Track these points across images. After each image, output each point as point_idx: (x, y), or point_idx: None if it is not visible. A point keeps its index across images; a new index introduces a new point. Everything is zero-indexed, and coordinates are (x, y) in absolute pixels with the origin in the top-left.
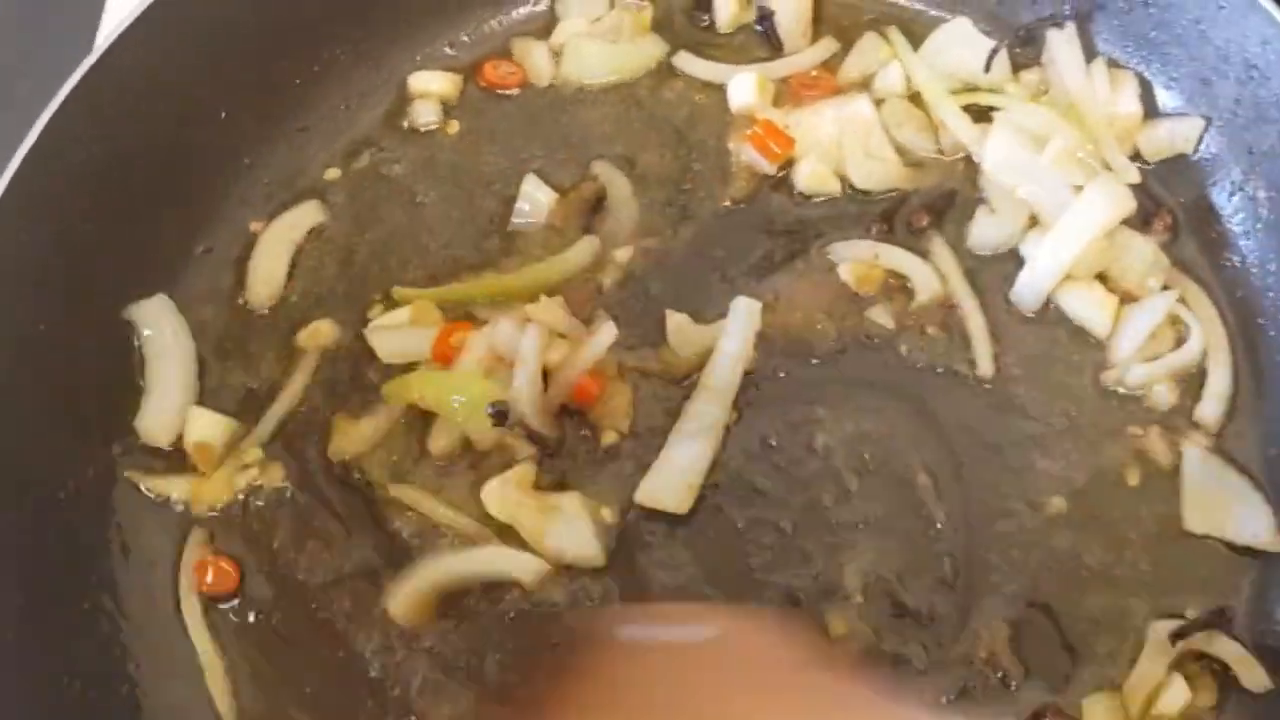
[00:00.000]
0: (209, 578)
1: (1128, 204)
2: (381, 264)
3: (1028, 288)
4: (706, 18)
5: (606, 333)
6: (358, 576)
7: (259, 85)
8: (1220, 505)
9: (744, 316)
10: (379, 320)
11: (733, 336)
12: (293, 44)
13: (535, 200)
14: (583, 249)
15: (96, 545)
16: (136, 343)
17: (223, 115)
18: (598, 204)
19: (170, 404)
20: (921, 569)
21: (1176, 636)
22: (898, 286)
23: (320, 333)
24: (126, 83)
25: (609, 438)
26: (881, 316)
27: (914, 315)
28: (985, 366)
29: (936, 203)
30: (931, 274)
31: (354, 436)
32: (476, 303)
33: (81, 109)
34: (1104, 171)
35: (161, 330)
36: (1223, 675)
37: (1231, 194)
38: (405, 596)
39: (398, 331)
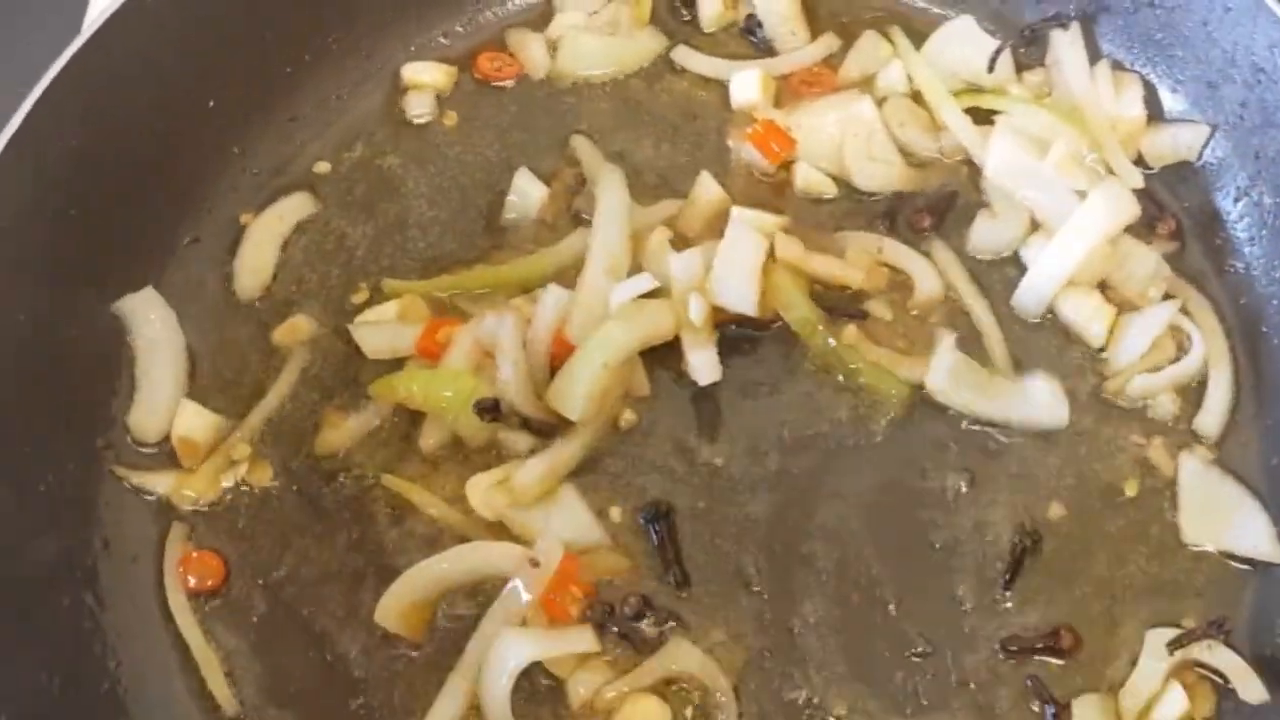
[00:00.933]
0: (194, 574)
1: (1132, 209)
2: (371, 257)
3: (1030, 293)
4: (688, 13)
5: (551, 294)
6: (344, 577)
7: (248, 73)
8: (1218, 516)
9: None
10: (364, 316)
11: None
12: (283, 32)
13: (526, 194)
14: (574, 241)
15: (78, 540)
16: (127, 336)
17: (211, 104)
18: (580, 187)
19: (161, 399)
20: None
21: (1174, 645)
22: (899, 283)
23: (298, 328)
24: (113, 69)
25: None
26: (880, 310)
27: (913, 308)
28: (1003, 364)
29: (938, 204)
30: (933, 272)
31: (341, 432)
32: (467, 294)
33: (66, 95)
34: (1107, 176)
35: (151, 324)
36: (1221, 685)
37: (1237, 199)
38: (393, 609)
39: (383, 327)
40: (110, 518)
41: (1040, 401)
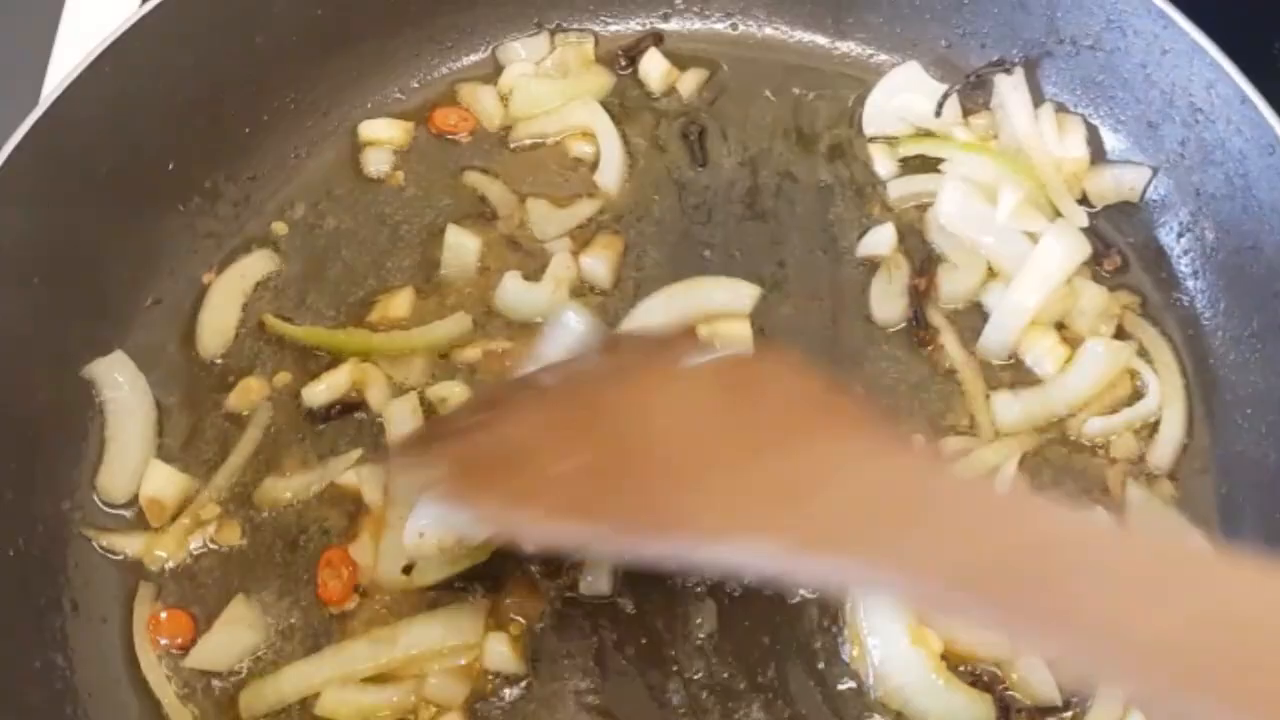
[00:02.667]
0: (164, 633)
1: (1084, 248)
2: (331, 313)
3: (994, 339)
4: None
5: None
6: (309, 632)
7: (207, 135)
8: None
9: None
10: (314, 385)
11: None
12: (241, 93)
13: (461, 248)
14: (453, 324)
15: (47, 602)
16: (97, 399)
17: (170, 167)
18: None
19: (130, 461)
20: None
21: None
22: None
23: (250, 390)
24: (74, 135)
25: None
26: None
27: None
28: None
29: (925, 267)
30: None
31: (280, 487)
32: (347, 354)
33: (27, 160)
34: (1055, 217)
35: (120, 387)
36: None
37: (1180, 234)
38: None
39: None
40: (79, 579)
41: None
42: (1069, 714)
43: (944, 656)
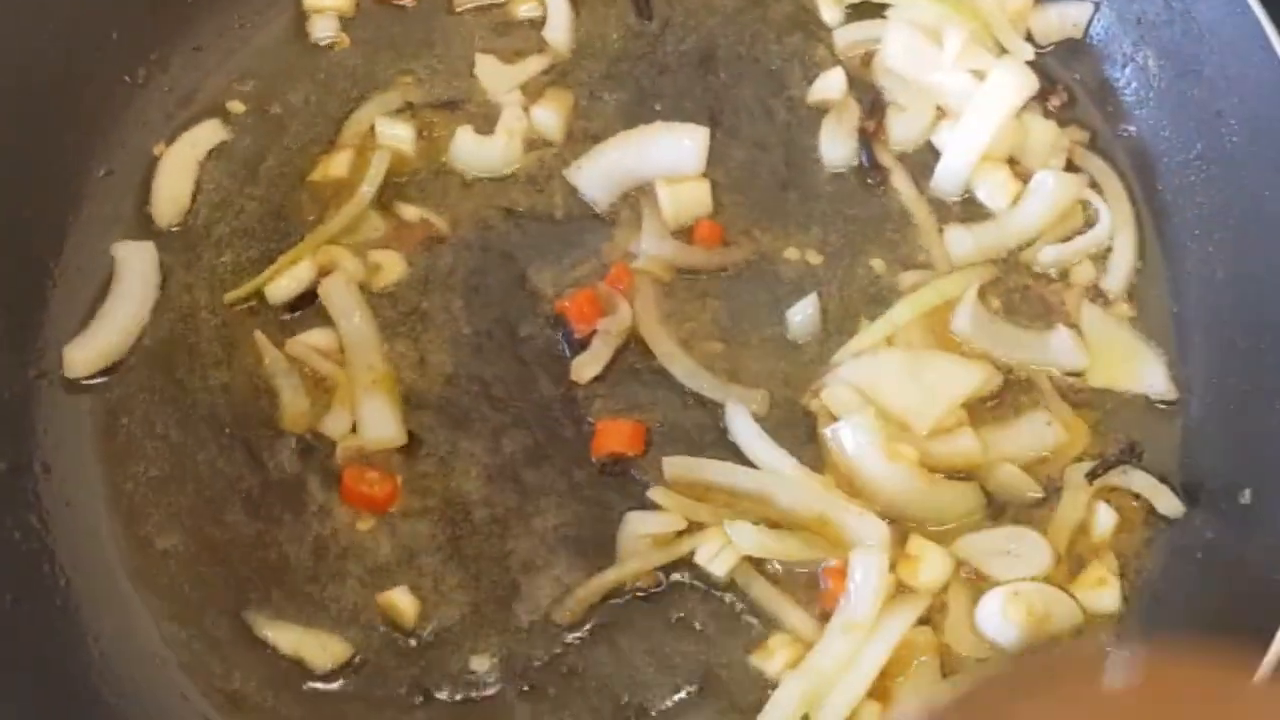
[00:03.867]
0: None
1: (1031, 83)
2: (283, 182)
3: (947, 177)
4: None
5: None
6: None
7: (149, 5)
8: (1119, 360)
9: None
10: (279, 282)
11: None
12: None
13: (397, 135)
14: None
15: (20, 464)
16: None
17: (114, 35)
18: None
19: (107, 342)
20: None
21: (1091, 476)
22: None
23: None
24: (10, 5)
25: None
26: None
27: None
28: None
29: (873, 108)
30: None
31: None
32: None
33: None
34: (1001, 55)
35: (132, 273)
36: (1148, 510)
37: (1124, 65)
38: None
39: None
40: (48, 442)
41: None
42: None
43: (922, 464)
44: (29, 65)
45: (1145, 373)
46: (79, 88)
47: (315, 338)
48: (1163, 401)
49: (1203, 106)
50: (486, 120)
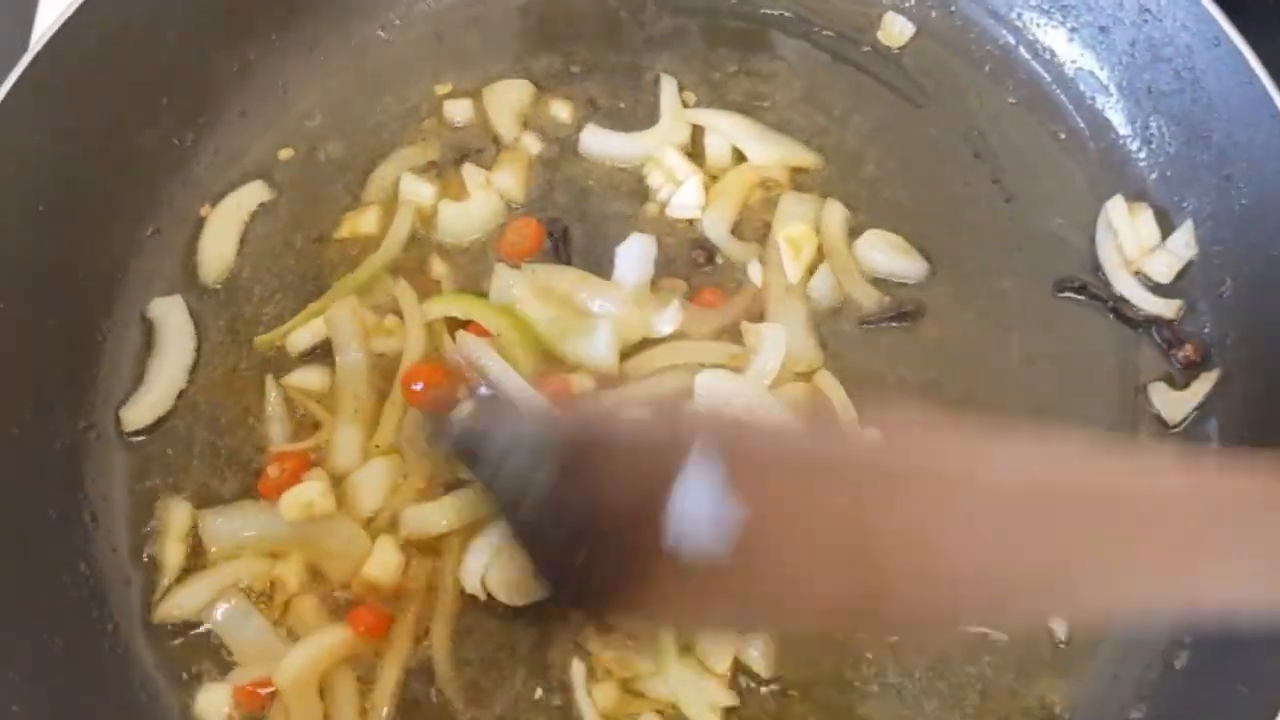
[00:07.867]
0: None
1: None
2: (322, 242)
3: None
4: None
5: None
6: None
7: (197, 72)
8: None
9: None
10: (298, 333)
11: None
12: (229, 32)
13: (416, 193)
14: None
15: (69, 514)
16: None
17: (164, 101)
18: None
19: (158, 397)
20: None
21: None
22: None
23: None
24: (67, 76)
25: None
26: None
27: None
28: None
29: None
30: None
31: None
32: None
33: (23, 106)
34: None
35: (171, 328)
36: None
37: (1136, 135)
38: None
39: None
40: (95, 495)
41: None
42: None
43: None
44: (82, 130)
45: None
46: (130, 150)
47: (309, 377)
48: None
49: (1212, 170)
50: None
